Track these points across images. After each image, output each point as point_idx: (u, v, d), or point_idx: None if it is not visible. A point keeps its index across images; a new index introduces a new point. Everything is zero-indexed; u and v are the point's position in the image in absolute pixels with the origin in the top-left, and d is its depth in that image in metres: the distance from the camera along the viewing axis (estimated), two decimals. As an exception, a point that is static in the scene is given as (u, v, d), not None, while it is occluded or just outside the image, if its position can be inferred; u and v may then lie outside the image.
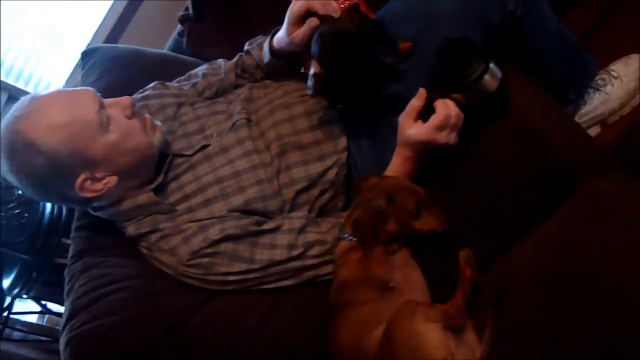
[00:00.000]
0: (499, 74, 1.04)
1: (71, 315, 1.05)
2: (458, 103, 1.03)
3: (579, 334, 0.88)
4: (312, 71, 1.04)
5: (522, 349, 0.92)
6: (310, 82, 1.05)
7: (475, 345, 0.91)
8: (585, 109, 1.39)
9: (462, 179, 1.12)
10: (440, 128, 1.02)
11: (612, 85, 1.38)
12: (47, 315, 2.52)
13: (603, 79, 1.38)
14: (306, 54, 1.12)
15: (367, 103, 1.16)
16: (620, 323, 0.85)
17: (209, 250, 1.05)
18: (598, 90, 1.38)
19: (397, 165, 1.09)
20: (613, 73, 1.38)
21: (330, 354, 1.02)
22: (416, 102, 1.04)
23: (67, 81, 2.64)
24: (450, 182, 1.13)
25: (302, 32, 1.10)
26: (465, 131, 1.06)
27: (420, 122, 1.04)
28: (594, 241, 0.95)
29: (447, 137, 1.03)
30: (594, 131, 1.41)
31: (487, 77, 1.02)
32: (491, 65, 1.02)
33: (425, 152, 1.06)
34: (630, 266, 0.89)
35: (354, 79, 1.05)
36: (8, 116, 1.05)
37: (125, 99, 1.10)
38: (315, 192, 1.17)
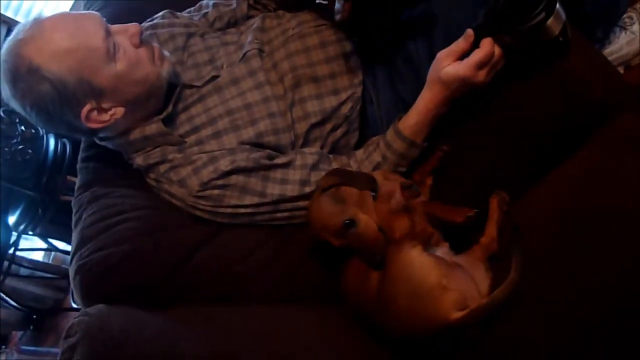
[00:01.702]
0: (563, 16, 0.91)
1: (80, 244, 1.05)
2: (506, 45, 0.94)
3: (593, 279, 0.87)
4: None
5: (535, 293, 0.90)
6: (338, 5, 0.99)
7: (485, 282, 0.91)
8: (610, 49, 1.32)
9: (484, 118, 1.06)
10: (479, 66, 0.94)
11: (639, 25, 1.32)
12: (53, 253, 2.55)
13: (631, 17, 1.31)
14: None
15: (388, 31, 1.10)
16: (636, 263, 0.84)
17: (219, 182, 1.03)
18: (624, 29, 1.32)
19: (422, 107, 1.02)
20: (643, 11, 1.32)
21: (339, 290, 1.02)
22: (462, 43, 0.95)
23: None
24: (473, 121, 1.07)
25: None
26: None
27: (459, 61, 0.96)
28: (610, 180, 0.92)
29: (484, 77, 0.96)
30: (617, 73, 1.36)
31: (550, 21, 0.89)
32: (557, 6, 0.88)
33: (457, 91, 0.98)
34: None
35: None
36: (10, 39, 1.00)
37: (133, 26, 1.05)
38: (328, 126, 1.14)
